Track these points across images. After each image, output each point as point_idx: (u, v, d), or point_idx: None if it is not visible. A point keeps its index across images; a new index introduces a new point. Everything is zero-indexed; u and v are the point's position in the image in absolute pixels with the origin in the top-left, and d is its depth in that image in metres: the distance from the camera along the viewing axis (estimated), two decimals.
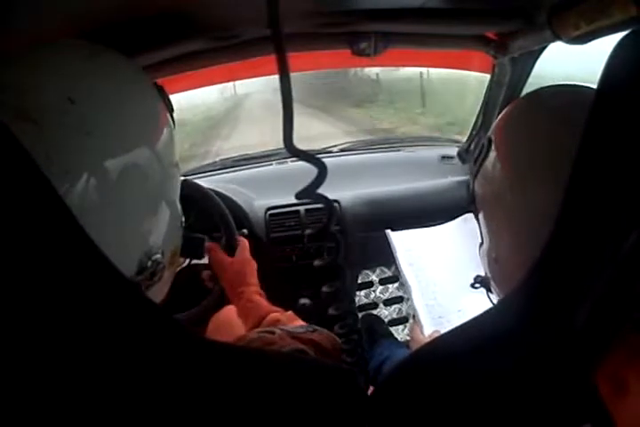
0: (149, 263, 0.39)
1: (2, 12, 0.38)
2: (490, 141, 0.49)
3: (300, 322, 0.67)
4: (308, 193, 0.33)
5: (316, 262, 0.42)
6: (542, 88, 0.49)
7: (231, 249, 0.82)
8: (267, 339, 0.42)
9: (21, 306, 0.25)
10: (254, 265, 0.81)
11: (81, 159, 0.33)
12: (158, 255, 0.40)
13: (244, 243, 0.83)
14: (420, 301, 0.87)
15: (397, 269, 0.95)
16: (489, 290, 0.59)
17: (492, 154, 0.48)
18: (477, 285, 0.62)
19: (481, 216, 0.53)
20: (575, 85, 0.46)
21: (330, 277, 0.43)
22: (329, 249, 0.42)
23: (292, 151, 0.29)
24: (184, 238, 0.50)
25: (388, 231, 0.97)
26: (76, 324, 0.26)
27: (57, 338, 0.26)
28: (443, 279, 0.89)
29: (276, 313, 0.68)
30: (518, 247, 0.46)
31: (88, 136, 0.33)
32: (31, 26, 0.45)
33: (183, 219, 0.49)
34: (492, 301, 0.59)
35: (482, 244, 0.55)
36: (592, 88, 0.48)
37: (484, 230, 0.53)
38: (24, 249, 0.24)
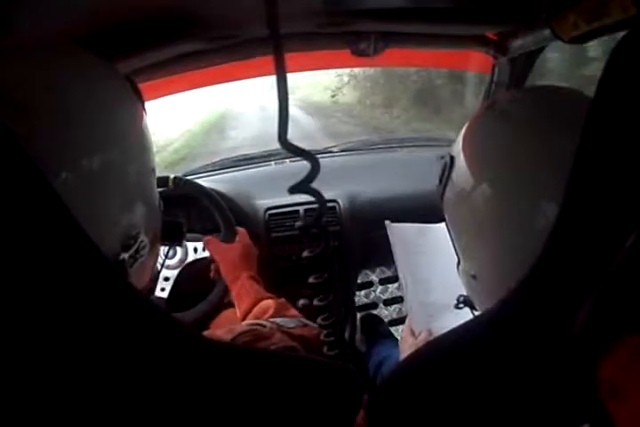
0: (132, 241, 0.40)
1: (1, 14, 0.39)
2: (452, 159, 0.47)
3: (292, 311, 0.68)
4: (301, 187, 0.33)
5: (305, 253, 0.42)
6: (500, 95, 0.47)
7: (231, 239, 0.83)
8: (258, 332, 0.42)
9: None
10: (253, 250, 0.82)
11: (55, 154, 0.33)
12: (141, 234, 0.41)
13: (243, 231, 0.85)
14: (413, 297, 0.85)
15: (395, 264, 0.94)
16: (473, 308, 0.57)
17: (461, 169, 0.46)
18: (461, 305, 0.59)
19: (454, 234, 0.52)
20: (534, 88, 0.44)
21: (318, 268, 0.44)
22: (314, 242, 0.42)
23: (285, 147, 0.29)
24: (163, 224, 0.51)
25: (388, 222, 0.94)
26: (59, 311, 0.26)
27: (39, 323, 0.26)
28: (438, 277, 0.87)
29: (269, 300, 0.68)
30: (497, 261, 0.44)
31: (64, 131, 0.34)
32: (31, 26, 0.45)
33: (162, 203, 0.50)
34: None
35: (459, 263, 0.53)
36: (550, 88, 0.47)
37: (460, 248, 0.51)
38: (8, 230, 0.24)
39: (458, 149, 0.48)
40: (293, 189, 0.33)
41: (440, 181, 0.50)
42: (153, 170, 0.46)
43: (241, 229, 0.86)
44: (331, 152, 1.42)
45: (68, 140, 0.34)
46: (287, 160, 1.33)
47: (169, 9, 0.54)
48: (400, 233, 0.94)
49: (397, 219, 1.06)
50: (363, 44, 0.77)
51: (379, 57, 0.79)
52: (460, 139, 0.48)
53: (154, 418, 0.29)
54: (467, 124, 0.49)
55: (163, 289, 0.87)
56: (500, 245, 0.43)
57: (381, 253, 0.99)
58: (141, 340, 0.28)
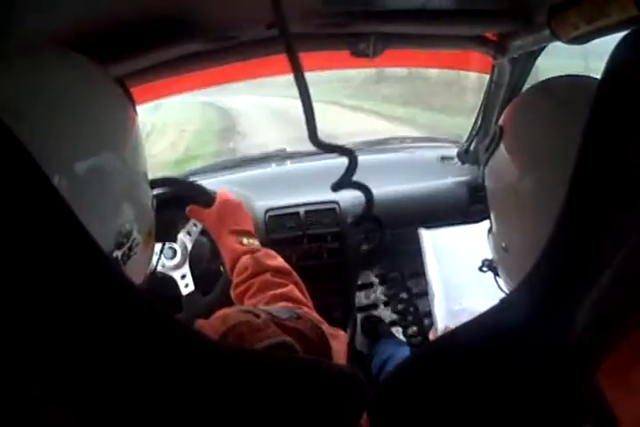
0: (124, 240, 0.40)
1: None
2: (501, 130, 0.49)
3: (274, 261, 0.70)
4: (345, 182, 0.34)
5: (364, 247, 0.42)
6: (550, 78, 0.49)
7: (209, 203, 0.80)
8: (253, 324, 0.42)
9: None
10: (234, 203, 0.79)
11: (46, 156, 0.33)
12: (134, 232, 0.42)
13: (221, 191, 0.82)
14: (441, 306, 0.83)
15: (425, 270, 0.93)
16: (496, 274, 0.59)
17: (502, 142, 0.48)
18: (485, 268, 0.61)
19: (490, 204, 0.54)
20: (583, 76, 0.46)
21: (377, 260, 0.43)
22: (369, 234, 0.40)
23: (318, 145, 0.30)
24: (158, 223, 0.51)
25: (421, 230, 0.93)
26: (56, 305, 0.26)
27: (35, 316, 0.25)
28: (472, 284, 0.83)
29: (246, 256, 0.70)
30: (529, 236, 0.46)
31: (54, 132, 0.35)
32: (31, 25, 0.45)
33: (154, 201, 0.51)
34: (499, 285, 0.59)
35: (490, 230, 0.55)
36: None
37: (494, 218, 0.53)
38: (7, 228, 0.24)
39: (505, 122, 0.50)
40: (336, 186, 0.34)
41: (487, 149, 0.52)
42: (145, 170, 0.47)
43: (220, 189, 0.83)
44: None
45: (58, 142, 0.35)
46: (287, 162, 1.33)
47: (168, 11, 0.54)
48: (433, 239, 0.92)
49: (397, 219, 1.05)
50: (362, 45, 0.77)
51: (378, 58, 0.79)
52: (507, 112, 0.50)
53: (149, 418, 0.28)
54: (515, 100, 0.51)
55: (187, 285, 0.88)
56: (532, 222, 0.45)
57: (381, 254, 0.98)
58: (137, 337, 0.28)
